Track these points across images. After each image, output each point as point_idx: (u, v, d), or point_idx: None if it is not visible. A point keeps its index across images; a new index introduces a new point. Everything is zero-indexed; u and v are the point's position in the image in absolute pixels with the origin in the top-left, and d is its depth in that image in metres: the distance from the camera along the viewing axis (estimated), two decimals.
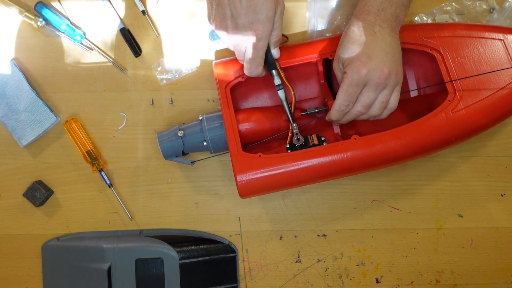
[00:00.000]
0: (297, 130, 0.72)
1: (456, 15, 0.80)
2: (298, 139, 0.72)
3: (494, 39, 0.72)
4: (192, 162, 0.78)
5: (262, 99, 0.80)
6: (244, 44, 0.69)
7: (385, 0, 0.68)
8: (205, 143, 0.74)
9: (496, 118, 0.72)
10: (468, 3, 0.80)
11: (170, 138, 0.75)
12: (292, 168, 0.70)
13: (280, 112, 0.76)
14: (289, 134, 0.73)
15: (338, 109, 0.70)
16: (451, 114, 0.70)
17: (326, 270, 0.82)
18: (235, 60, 0.74)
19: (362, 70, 0.66)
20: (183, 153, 0.77)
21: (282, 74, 0.73)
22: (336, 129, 0.75)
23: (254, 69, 0.71)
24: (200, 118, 0.75)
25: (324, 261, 0.82)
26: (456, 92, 0.70)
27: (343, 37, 0.70)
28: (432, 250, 0.81)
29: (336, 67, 0.71)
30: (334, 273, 0.82)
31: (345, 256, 0.82)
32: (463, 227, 0.81)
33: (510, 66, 0.71)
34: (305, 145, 0.72)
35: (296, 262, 0.82)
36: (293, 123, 0.73)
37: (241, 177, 0.70)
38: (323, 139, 0.72)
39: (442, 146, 0.72)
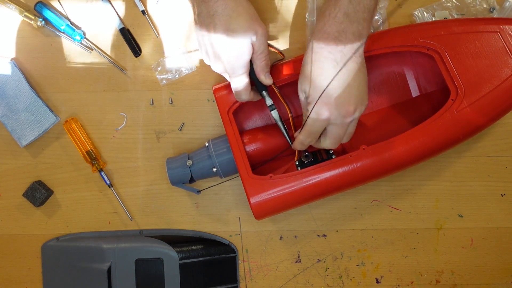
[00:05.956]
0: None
1: (456, 14, 0.80)
2: (306, 156, 0.72)
3: (489, 31, 0.71)
4: (198, 191, 0.78)
5: (265, 117, 0.80)
6: (224, 69, 0.69)
7: (345, 19, 0.61)
8: (214, 169, 0.74)
9: (500, 112, 0.72)
10: (469, 1, 0.80)
11: (178, 167, 0.75)
12: (304, 185, 0.70)
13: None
14: (297, 151, 0.73)
15: (301, 143, 0.69)
16: (455, 113, 0.69)
17: (326, 270, 0.82)
18: None
19: (325, 113, 0.63)
20: (193, 180, 0.77)
21: (277, 92, 0.72)
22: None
23: (240, 94, 0.71)
24: (207, 144, 0.76)
25: (324, 261, 0.82)
26: (458, 90, 0.70)
27: (303, 64, 0.65)
28: (432, 250, 0.81)
29: (300, 92, 0.67)
30: (334, 273, 0.82)
31: (345, 256, 0.82)
32: (463, 227, 0.81)
33: (509, 57, 0.70)
34: (314, 161, 0.72)
35: (296, 262, 0.82)
36: (290, 142, 0.72)
37: (255, 200, 0.70)
38: (331, 152, 0.72)
39: (450, 146, 0.72)
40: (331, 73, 0.62)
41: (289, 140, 0.73)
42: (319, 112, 0.64)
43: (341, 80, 0.62)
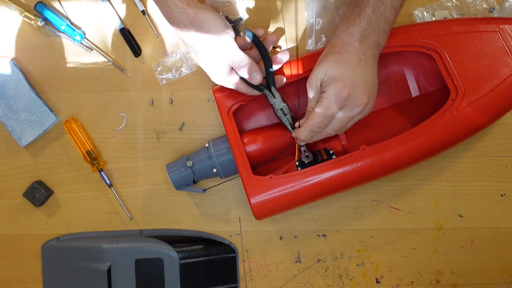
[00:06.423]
0: (305, 148, 0.72)
1: (456, 14, 0.80)
2: (307, 156, 0.72)
3: (489, 31, 0.71)
4: (204, 190, 0.78)
5: (265, 117, 0.80)
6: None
7: (368, 26, 0.67)
8: (214, 170, 0.74)
9: (500, 111, 0.72)
10: (469, 1, 0.80)
11: (180, 169, 0.75)
12: (304, 186, 0.70)
13: (284, 129, 0.74)
14: (297, 152, 0.73)
15: (310, 130, 0.68)
16: (455, 113, 0.69)
17: (326, 270, 0.82)
18: None
19: (345, 93, 0.65)
20: (194, 181, 0.77)
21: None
22: (343, 140, 0.75)
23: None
24: (207, 145, 0.76)
25: (324, 261, 0.82)
26: (458, 90, 0.70)
27: (326, 54, 0.68)
28: (432, 250, 0.81)
29: (313, 84, 0.68)
30: (334, 273, 0.82)
31: (345, 256, 0.82)
32: (463, 227, 0.81)
33: (508, 57, 0.70)
34: (315, 161, 0.72)
35: (296, 262, 0.82)
36: (291, 129, 0.72)
37: (255, 200, 0.70)
38: (331, 152, 0.72)
39: (450, 146, 0.73)
40: (355, 65, 0.66)
41: (289, 128, 0.72)
42: (340, 91, 0.65)
43: (362, 75, 0.66)
